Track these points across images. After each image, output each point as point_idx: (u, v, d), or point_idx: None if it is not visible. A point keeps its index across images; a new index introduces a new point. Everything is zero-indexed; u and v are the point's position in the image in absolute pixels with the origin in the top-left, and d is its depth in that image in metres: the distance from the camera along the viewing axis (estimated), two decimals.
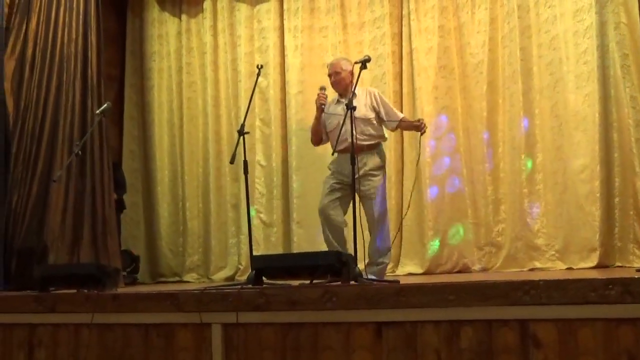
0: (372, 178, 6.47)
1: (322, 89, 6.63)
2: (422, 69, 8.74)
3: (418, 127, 6.43)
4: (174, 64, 10.20)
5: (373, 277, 6.00)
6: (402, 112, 8.65)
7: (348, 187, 6.41)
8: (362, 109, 6.45)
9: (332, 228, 6.52)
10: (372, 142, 6.52)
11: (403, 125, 6.76)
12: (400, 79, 8.95)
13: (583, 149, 7.72)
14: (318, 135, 6.84)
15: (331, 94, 6.77)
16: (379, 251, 6.51)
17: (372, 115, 6.54)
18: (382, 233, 6.58)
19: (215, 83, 9.92)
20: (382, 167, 6.57)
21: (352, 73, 6.69)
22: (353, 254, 5.09)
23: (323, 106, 6.62)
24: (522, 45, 8.23)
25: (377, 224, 6.50)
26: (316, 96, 6.63)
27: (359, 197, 6.43)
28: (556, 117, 7.99)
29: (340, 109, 6.52)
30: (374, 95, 6.66)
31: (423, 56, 8.77)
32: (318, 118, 6.71)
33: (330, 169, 6.71)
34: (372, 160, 6.50)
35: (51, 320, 5.14)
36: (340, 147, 6.31)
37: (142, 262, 9.79)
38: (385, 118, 6.61)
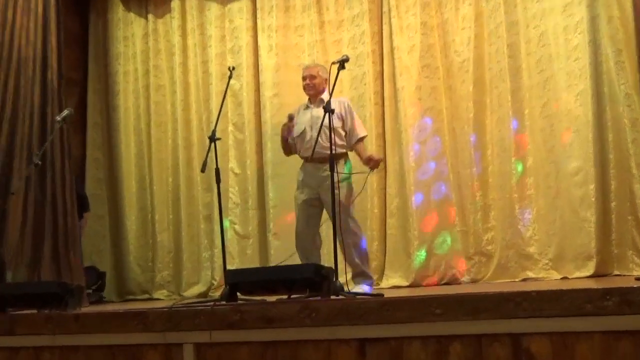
0: (339, 188, 6.51)
1: (291, 119, 6.86)
2: (404, 68, 8.73)
3: (367, 162, 6.66)
4: (140, 67, 10.15)
5: (356, 291, 5.99)
6: (384, 115, 8.72)
7: (316, 200, 6.78)
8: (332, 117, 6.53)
9: (307, 254, 6.74)
10: (339, 151, 6.64)
11: (356, 148, 6.88)
12: (381, 79, 8.94)
13: (576, 150, 7.73)
14: (287, 150, 7.13)
15: (298, 102, 6.88)
16: (360, 258, 6.67)
17: (339, 124, 6.67)
18: (359, 240, 6.75)
19: (185, 86, 9.88)
20: (348, 177, 6.65)
21: (326, 81, 6.90)
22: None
23: (286, 134, 6.92)
24: (510, 41, 8.24)
25: (351, 232, 6.60)
26: (282, 125, 6.95)
27: (326, 209, 6.62)
28: (547, 117, 8.00)
29: (309, 115, 6.69)
30: (345, 105, 6.90)
31: (405, 55, 8.77)
32: (285, 140, 7.03)
33: (297, 182, 6.86)
34: (339, 171, 6.56)
35: (9, 344, 5.08)
36: (306, 154, 6.47)
37: (108, 279, 9.72)
38: (347, 131, 6.73)
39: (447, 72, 8.72)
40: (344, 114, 6.80)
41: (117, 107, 10.16)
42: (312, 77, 6.88)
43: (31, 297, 5.51)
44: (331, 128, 5.92)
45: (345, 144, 6.78)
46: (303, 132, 6.83)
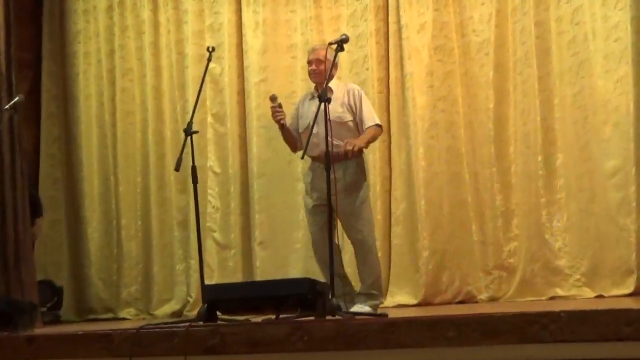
0: (353, 193, 6.54)
1: (274, 100, 6.84)
2: (414, 50, 8.75)
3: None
4: (104, 47, 10.15)
5: (357, 310, 6.02)
6: (389, 105, 8.73)
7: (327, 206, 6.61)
8: (338, 108, 6.59)
9: (321, 258, 6.75)
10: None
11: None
12: (386, 63, 8.95)
13: (614, 147, 7.76)
14: (292, 145, 7.12)
15: (302, 90, 6.87)
16: (371, 279, 6.75)
17: (348, 117, 6.67)
18: (372, 257, 6.78)
19: (157, 70, 9.89)
20: (363, 180, 6.66)
21: (335, 67, 6.77)
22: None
23: (283, 122, 6.86)
24: (538, 19, 8.26)
25: (366, 246, 6.59)
26: (270, 111, 6.88)
27: (338, 216, 6.60)
28: (580, 108, 8.02)
29: (314, 107, 6.61)
30: (354, 93, 6.84)
31: (414, 34, 8.78)
32: (284, 133, 6.98)
33: (305, 184, 6.86)
34: (350, 171, 6.57)
35: None
36: (312, 153, 6.49)
37: (66, 295, 9.72)
38: (357, 122, 6.71)
39: (464, 55, 8.74)
40: (352, 104, 6.78)
41: (76, 94, 10.15)
42: (319, 61, 6.81)
43: None
44: (326, 119, 5.89)
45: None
46: (308, 127, 6.77)
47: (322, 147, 6.07)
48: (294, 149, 7.18)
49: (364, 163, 6.84)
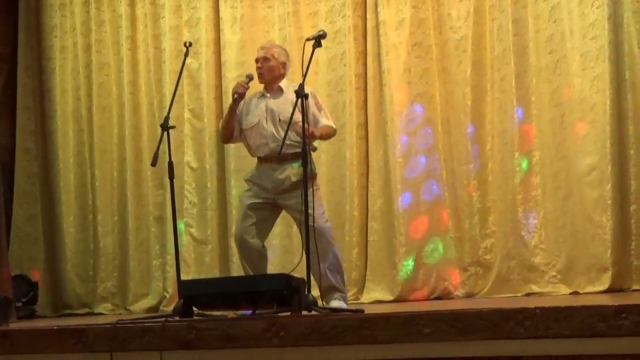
0: (298, 190, 6.55)
1: (249, 77, 6.84)
2: (392, 46, 8.76)
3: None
4: (80, 41, 10.09)
5: (332, 306, 6.03)
6: (367, 101, 8.74)
7: (269, 205, 6.81)
8: (288, 108, 6.49)
9: (248, 258, 6.76)
10: (297, 150, 6.45)
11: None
12: (364, 59, 8.96)
13: (591, 145, 7.80)
14: (229, 130, 7.03)
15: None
16: (333, 274, 6.69)
17: (299, 118, 6.62)
18: (332, 251, 6.74)
19: (134, 65, 9.85)
20: (310, 178, 6.65)
21: (285, 66, 6.91)
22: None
23: (237, 95, 6.78)
24: (516, 16, 8.27)
25: (326, 238, 6.66)
26: (236, 86, 6.85)
27: (288, 213, 6.80)
28: (557, 105, 8.06)
29: (263, 105, 6.71)
30: (310, 95, 6.71)
31: (392, 31, 8.79)
32: (233, 109, 6.89)
33: (248, 183, 6.85)
34: (297, 171, 6.57)
35: None
36: (261, 153, 6.52)
37: (42, 290, 9.66)
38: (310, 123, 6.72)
39: (442, 52, 8.74)
40: (305, 107, 6.76)
41: (52, 88, 10.09)
42: (266, 59, 6.85)
43: None
44: (304, 114, 5.91)
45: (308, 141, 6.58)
46: (256, 126, 6.84)
47: (271, 146, 6.38)
48: (227, 138, 7.14)
49: (312, 164, 6.68)
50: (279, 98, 6.82)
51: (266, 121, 6.78)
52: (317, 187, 6.80)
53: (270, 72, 6.84)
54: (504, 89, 8.32)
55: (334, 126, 6.98)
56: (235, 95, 6.78)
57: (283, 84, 6.90)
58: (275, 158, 6.65)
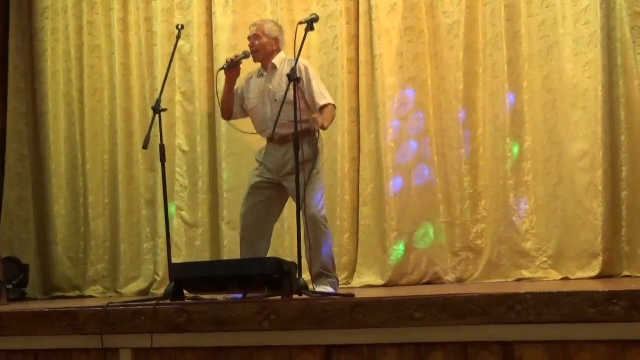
0: (304, 174, 6.53)
1: (244, 54, 6.90)
2: (384, 31, 8.74)
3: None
4: (72, 23, 10.09)
5: (323, 290, 6.03)
6: (359, 85, 8.73)
7: (275, 185, 6.80)
8: (283, 87, 6.47)
9: (245, 238, 6.86)
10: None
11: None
12: (356, 43, 8.93)
13: (582, 130, 7.79)
14: (227, 106, 7.08)
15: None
16: (324, 261, 6.68)
17: (292, 96, 6.59)
18: (324, 239, 6.73)
19: (125, 47, 9.85)
20: (314, 160, 6.64)
21: (278, 42, 6.92)
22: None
23: (231, 61, 6.83)
24: (508, 1, 8.25)
25: (317, 227, 6.62)
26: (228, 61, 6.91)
27: (290, 195, 6.76)
28: (549, 91, 8.05)
29: (261, 85, 6.85)
30: (300, 69, 6.59)
31: (385, 15, 8.76)
32: (227, 82, 6.93)
33: (257, 162, 6.86)
34: (305, 151, 6.54)
35: None
36: (264, 134, 6.56)
37: (32, 273, 9.68)
38: (307, 100, 6.71)
39: (434, 37, 8.72)
40: (300, 84, 6.71)
41: (43, 70, 10.09)
42: (257, 37, 6.87)
43: None
44: (296, 99, 5.91)
45: (304, 118, 6.53)
46: (256, 108, 6.88)
47: (271, 127, 6.22)
48: (227, 114, 7.16)
49: (317, 144, 6.81)
50: (275, 76, 6.83)
51: (264, 103, 6.81)
52: (316, 171, 6.76)
53: (263, 50, 6.85)
54: (496, 74, 8.31)
55: (332, 101, 6.93)
56: (225, 65, 6.83)
57: (277, 60, 6.89)
58: (277, 139, 6.64)
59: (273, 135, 6.35)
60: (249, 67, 7.12)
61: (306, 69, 6.81)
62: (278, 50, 6.95)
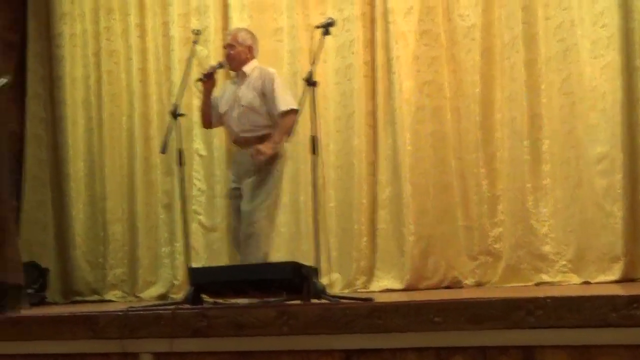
0: (258, 174, 6.66)
1: (219, 64, 7.13)
2: (400, 34, 8.72)
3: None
4: (90, 28, 10.11)
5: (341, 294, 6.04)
6: (375, 89, 8.72)
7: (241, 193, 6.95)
8: (249, 94, 6.87)
9: (234, 244, 7.13)
10: (259, 133, 6.83)
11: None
12: (372, 47, 8.92)
13: (601, 133, 7.75)
14: (205, 115, 7.30)
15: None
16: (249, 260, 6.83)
17: (257, 102, 6.88)
18: (255, 242, 6.84)
19: (143, 52, 9.86)
20: (272, 163, 6.77)
21: (251, 50, 7.10)
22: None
23: (207, 73, 7.02)
24: (525, 4, 8.24)
25: (250, 228, 6.79)
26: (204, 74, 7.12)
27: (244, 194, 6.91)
28: (567, 94, 8.02)
29: (232, 91, 7.03)
30: (268, 77, 6.96)
31: (401, 18, 8.75)
32: (203, 93, 7.16)
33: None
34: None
35: None
36: (230, 137, 6.82)
37: (52, 277, 9.72)
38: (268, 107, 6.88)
39: (450, 40, 8.70)
40: (263, 89, 6.89)
41: (62, 75, 10.12)
42: (231, 46, 7.09)
43: None
44: (314, 103, 5.92)
45: (265, 123, 6.88)
46: (226, 113, 7.06)
47: (235, 130, 6.85)
48: (206, 123, 7.41)
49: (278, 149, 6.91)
50: (244, 83, 6.98)
51: (232, 108, 6.98)
52: (273, 175, 6.89)
53: (238, 57, 7.04)
54: (514, 77, 8.29)
55: (294, 106, 6.83)
56: (202, 78, 7.03)
57: (248, 67, 7.04)
58: (240, 142, 6.92)
59: (236, 139, 6.78)
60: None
61: (272, 76, 6.99)
62: (251, 58, 7.10)
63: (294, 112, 6.78)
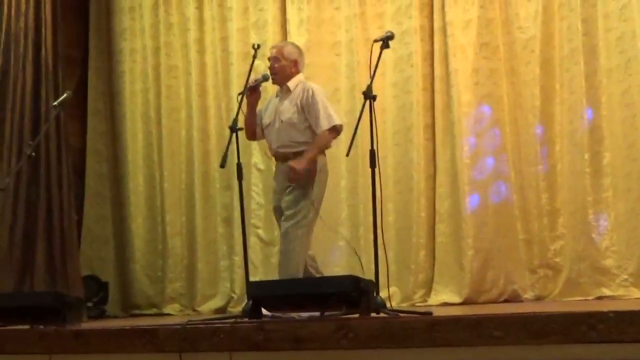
0: (294, 191, 6.63)
1: (264, 77, 7.00)
2: (459, 47, 8.71)
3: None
4: (149, 44, 10.19)
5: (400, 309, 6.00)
6: (434, 102, 8.70)
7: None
8: (290, 109, 6.84)
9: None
10: (297, 149, 6.79)
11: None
12: (431, 60, 8.91)
13: None
14: (251, 129, 7.20)
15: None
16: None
17: (297, 118, 6.83)
18: (288, 260, 6.77)
19: (201, 67, 9.92)
20: (307, 181, 6.74)
21: (296, 64, 7.05)
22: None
23: (251, 86, 6.86)
24: (585, 15, 8.19)
25: (286, 245, 6.76)
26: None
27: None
28: (628, 105, 7.96)
29: (275, 106, 7.01)
30: (309, 93, 6.88)
31: (459, 31, 8.74)
32: (247, 105, 6.97)
33: None
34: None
35: None
36: (270, 152, 6.88)
37: (112, 291, 9.77)
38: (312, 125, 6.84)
39: (509, 52, 8.68)
40: (304, 105, 6.83)
41: (122, 90, 10.21)
42: (276, 59, 7.02)
43: (22, 310, 5.54)
44: (373, 118, 5.90)
45: (303, 140, 6.82)
46: (268, 126, 7.03)
47: (274, 146, 6.85)
48: (250, 135, 7.27)
49: (316, 165, 6.81)
50: (287, 98, 6.95)
51: (274, 122, 6.96)
52: (309, 191, 6.83)
53: (282, 72, 6.98)
54: (573, 90, 8.24)
55: (336, 122, 6.88)
56: (249, 87, 6.86)
57: (293, 82, 6.99)
58: (278, 157, 6.95)
59: (275, 153, 6.84)
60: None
61: (313, 92, 6.90)
62: (296, 72, 7.06)
63: (335, 129, 6.85)
